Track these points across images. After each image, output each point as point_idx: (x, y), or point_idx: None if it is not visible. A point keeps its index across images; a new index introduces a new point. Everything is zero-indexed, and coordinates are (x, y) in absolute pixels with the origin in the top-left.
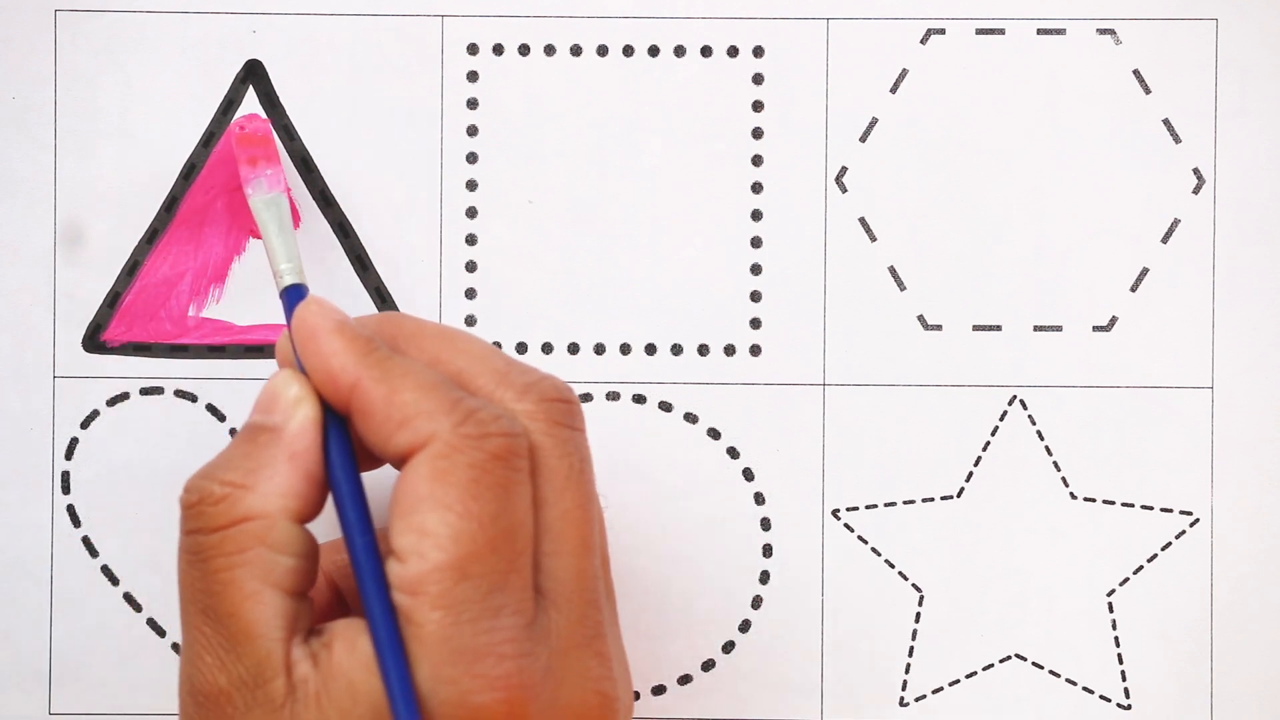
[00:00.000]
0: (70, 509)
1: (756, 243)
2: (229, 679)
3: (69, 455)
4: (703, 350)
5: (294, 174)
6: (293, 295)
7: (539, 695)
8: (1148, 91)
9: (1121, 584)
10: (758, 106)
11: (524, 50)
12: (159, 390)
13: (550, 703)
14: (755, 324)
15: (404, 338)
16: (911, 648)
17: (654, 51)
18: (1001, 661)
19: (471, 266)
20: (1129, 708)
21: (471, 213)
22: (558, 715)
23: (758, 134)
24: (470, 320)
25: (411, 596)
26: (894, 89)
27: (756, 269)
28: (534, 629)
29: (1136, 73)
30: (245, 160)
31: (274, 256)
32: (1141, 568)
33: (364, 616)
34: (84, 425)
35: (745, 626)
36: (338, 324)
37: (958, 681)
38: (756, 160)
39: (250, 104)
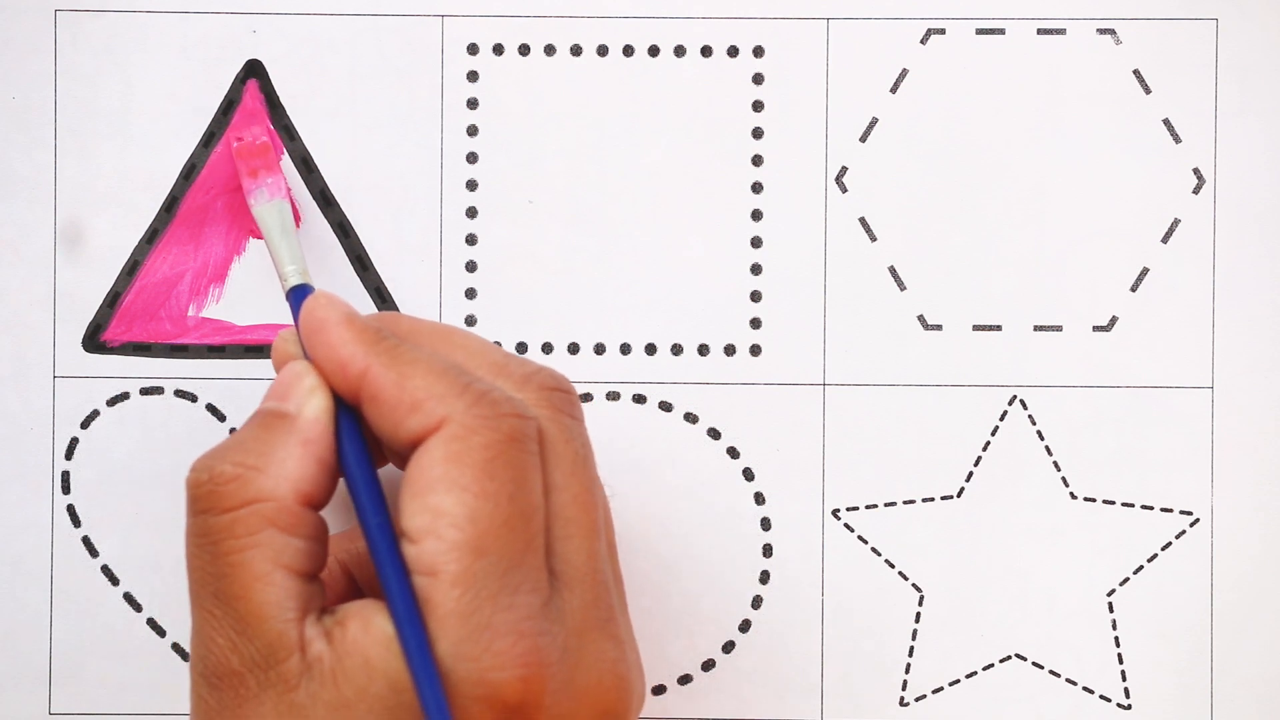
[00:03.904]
0: (70, 509)
1: (756, 243)
2: (241, 660)
3: (69, 455)
4: (703, 350)
5: (294, 174)
6: (299, 295)
7: (555, 674)
8: (1148, 91)
9: (1121, 584)
10: (758, 106)
11: (524, 50)
12: (159, 390)
13: (566, 683)
14: (755, 324)
15: (401, 335)
16: (911, 648)
17: (654, 51)
18: (1001, 661)
19: (471, 266)
20: (1129, 708)
21: (471, 213)
22: (574, 696)
23: (758, 134)
24: (470, 320)
25: (429, 576)
26: (894, 89)
27: (756, 269)
28: (550, 609)
29: (1136, 73)
30: (246, 172)
31: (279, 260)
32: (1141, 568)
33: (380, 599)
34: (84, 425)
35: (745, 626)
36: (345, 315)
37: (958, 681)
38: (756, 160)
39: (250, 104)
